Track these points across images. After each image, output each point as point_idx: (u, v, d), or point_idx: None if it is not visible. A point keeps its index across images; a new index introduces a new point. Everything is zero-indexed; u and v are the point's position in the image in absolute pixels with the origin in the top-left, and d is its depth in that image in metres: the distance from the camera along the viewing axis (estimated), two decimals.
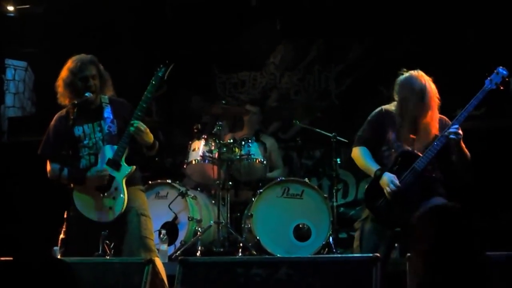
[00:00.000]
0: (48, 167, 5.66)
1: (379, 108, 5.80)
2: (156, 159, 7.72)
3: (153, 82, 5.69)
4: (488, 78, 5.54)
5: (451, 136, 5.37)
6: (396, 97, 5.67)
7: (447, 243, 2.85)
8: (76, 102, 5.45)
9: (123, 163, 5.53)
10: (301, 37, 10.19)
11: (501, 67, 5.60)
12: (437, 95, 5.57)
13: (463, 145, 5.46)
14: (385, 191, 5.41)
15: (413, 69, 5.69)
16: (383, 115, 5.74)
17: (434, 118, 5.56)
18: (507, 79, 5.55)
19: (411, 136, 5.56)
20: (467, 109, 5.45)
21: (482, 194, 7.38)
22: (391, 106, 5.73)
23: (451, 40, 8.99)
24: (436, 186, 5.53)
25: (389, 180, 5.42)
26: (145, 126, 5.51)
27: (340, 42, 10.00)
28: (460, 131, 5.38)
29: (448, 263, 2.82)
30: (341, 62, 10.07)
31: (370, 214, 5.59)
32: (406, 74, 5.63)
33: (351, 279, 4.30)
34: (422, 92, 5.50)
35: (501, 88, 5.54)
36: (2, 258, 3.01)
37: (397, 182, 5.40)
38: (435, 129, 5.55)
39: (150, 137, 5.59)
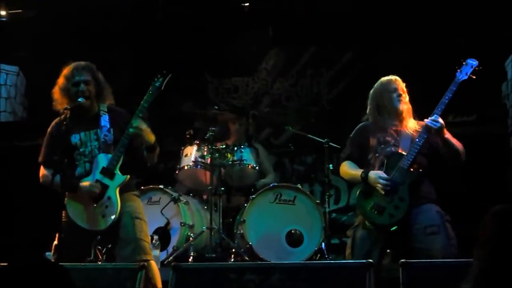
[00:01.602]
0: (41, 172, 5.64)
1: (359, 125, 5.91)
2: (148, 164, 7.71)
3: (150, 92, 5.68)
4: (458, 70, 5.61)
5: (429, 123, 5.43)
6: (370, 104, 5.79)
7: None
8: (68, 107, 5.43)
9: (118, 172, 5.50)
10: (293, 44, 10.22)
11: (469, 58, 5.67)
12: (406, 93, 5.70)
13: (448, 134, 5.50)
14: (377, 187, 5.43)
15: (403, 75, 5.78)
16: (362, 128, 5.88)
17: (409, 118, 5.68)
18: (477, 69, 5.60)
19: (393, 138, 5.61)
20: (443, 101, 5.51)
21: (471, 200, 7.38)
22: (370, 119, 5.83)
23: (442, 49, 9.03)
24: (426, 189, 5.54)
25: (376, 176, 5.46)
26: (146, 125, 5.50)
27: (331, 48, 10.05)
28: (440, 120, 5.43)
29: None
30: (332, 68, 10.12)
31: (362, 221, 5.60)
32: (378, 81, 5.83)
33: (344, 285, 4.33)
34: (390, 86, 5.67)
35: (473, 77, 5.59)
36: None
37: (384, 175, 5.43)
38: (414, 125, 5.62)
39: (152, 137, 5.56)
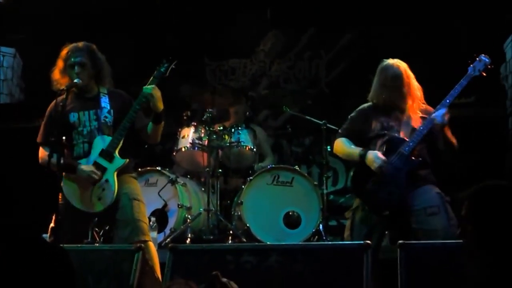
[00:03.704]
0: (40, 153, 5.64)
1: (361, 107, 5.86)
2: (146, 146, 7.68)
3: (155, 77, 5.68)
4: (471, 65, 5.62)
5: (437, 119, 5.42)
6: (374, 86, 5.74)
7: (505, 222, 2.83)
8: (65, 88, 5.42)
9: (117, 155, 5.49)
10: (291, 26, 10.19)
11: (483, 55, 5.66)
12: (415, 82, 5.63)
13: (448, 131, 5.49)
14: (373, 167, 5.40)
15: (402, 57, 5.74)
16: (366, 109, 5.81)
17: (414, 103, 5.61)
18: (489, 66, 5.62)
19: (396, 123, 5.59)
20: (452, 94, 5.53)
21: (470, 181, 7.37)
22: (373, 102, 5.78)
23: (442, 32, 9.01)
24: (424, 172, 5.53)
25: (374, 156, 5.43)
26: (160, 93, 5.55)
27: (330, 30, 10.01)
28: (446, 116, 5.43)
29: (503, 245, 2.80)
30: (331, 50, 10.08)
31: (361, 203, 5.59)
32: (383, 63, 5.70)
33: (342, 266, 4.32)
34: (396, 78, 5.56)
35: (484, 74, 5.60)
36: None
37: (383, 157, 5.40)
38: (417, 114, 5.60)
39: (161, 105, 5.57)
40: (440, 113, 5.44)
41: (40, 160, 5.64)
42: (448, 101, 5.49)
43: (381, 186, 5.41)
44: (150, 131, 5.67)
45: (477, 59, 5.63)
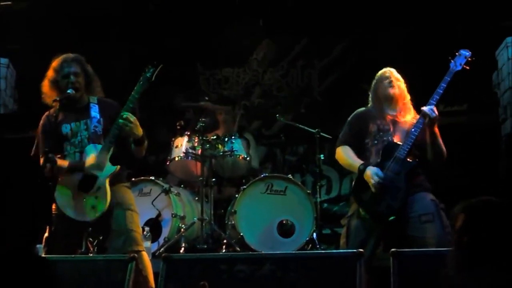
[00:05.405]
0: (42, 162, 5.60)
1: (357, 110, 5.95)
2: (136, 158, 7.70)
3: (141, 82, 5.67)
4: (452, 61, 5.69)
5: (427, 110, 5.46)
6: (370, 94, 5.89)
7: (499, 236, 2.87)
8: (58, 98, 5.41)
9: (108, 163, 5.49)
10: (284, 35, 10.20)
11: (462, 49, 5.75)
12: (404, 86, 5.79)
13: (437, 130, 5.54)
14: (370, 184, 5.44)
15: (395, 67, 5.83)
16: (362, 113, 5.91)
17: (406, 108, 5.74)
18: (470, 59, 5.68)
19: (391, 126, 5.64)
20: (438, 91, 5.59)
21: (462, 188, 7.40)
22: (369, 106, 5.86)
23: (435, 39, 9.03)
24: (419, 178, 5.57)
25: (373, 173, 5.46)
26: (134, 118, 5.48)
27: (323, 39, 10.03)
28: (436, 111, 5.48)
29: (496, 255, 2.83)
30: (324, 59, 10.10)
31: (356, 210, 5.61)
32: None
33: (335, 275, 4.32)
34: (382, 79, 5.76)
35: (467, 68, 5.66)
36: None
37: (381, 173, 5.44)
38: (411, 116, 5.71)
39: (140, 130, 5.53)
40: (429, 108, 5.49)
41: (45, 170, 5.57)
42: (434, 99, 5.55)
43: (382, 193, 5.43)
44: (133, 150, 5.67)
45: (457, 54, 5.71)
